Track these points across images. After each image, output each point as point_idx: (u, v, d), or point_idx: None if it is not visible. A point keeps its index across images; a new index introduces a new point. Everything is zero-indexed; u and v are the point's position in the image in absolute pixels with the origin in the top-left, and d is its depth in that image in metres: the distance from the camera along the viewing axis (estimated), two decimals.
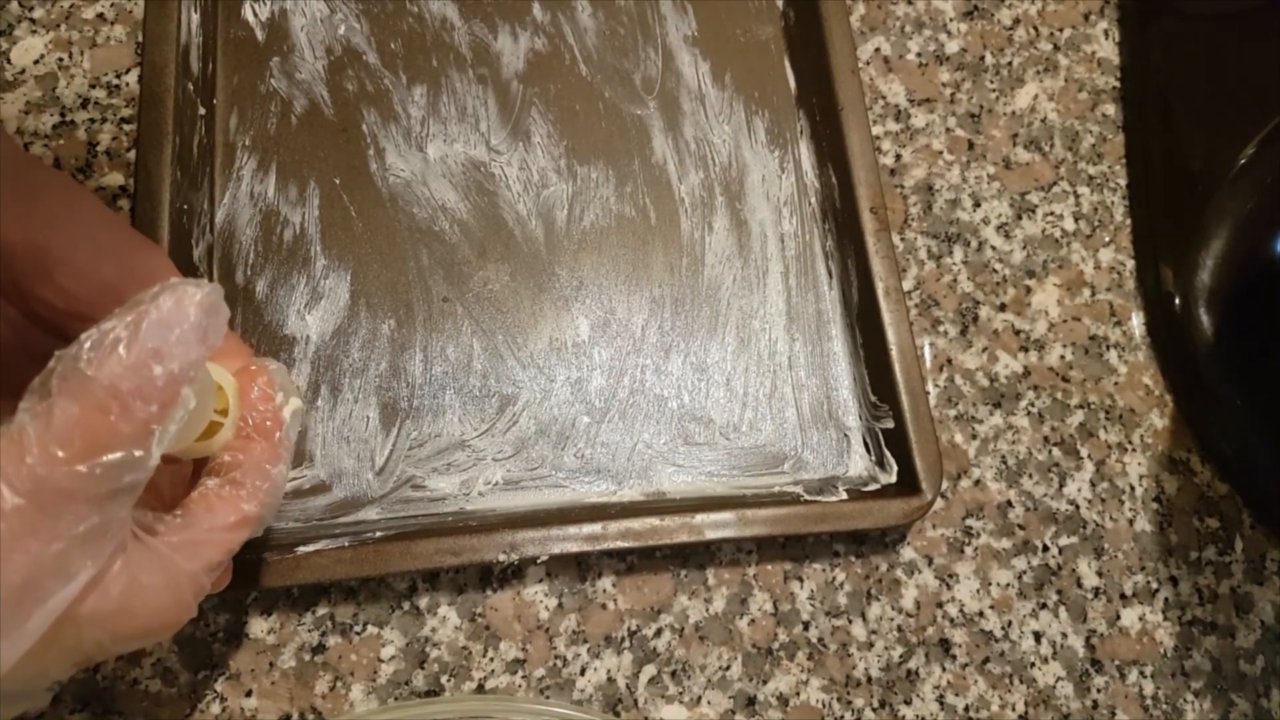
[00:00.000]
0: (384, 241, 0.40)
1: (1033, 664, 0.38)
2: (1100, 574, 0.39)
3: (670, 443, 0.39)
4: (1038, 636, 0.38)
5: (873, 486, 0.38)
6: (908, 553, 0.39)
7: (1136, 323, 0.43)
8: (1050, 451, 0.41)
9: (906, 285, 0.42)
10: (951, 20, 0.47)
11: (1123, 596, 0.39)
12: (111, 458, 0.22)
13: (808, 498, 0.37)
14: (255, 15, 0.42)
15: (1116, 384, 0.42)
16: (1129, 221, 0.44)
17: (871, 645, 0.38)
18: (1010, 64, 0.46)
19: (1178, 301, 0.42)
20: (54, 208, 0.26)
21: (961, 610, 0.38)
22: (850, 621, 0.38)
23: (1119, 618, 0.39)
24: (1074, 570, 0.39)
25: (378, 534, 0.35)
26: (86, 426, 0.22)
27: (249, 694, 0.35)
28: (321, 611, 0.36)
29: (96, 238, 0.26)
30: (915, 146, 0.44)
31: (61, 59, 0.42)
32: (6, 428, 0.22)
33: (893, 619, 0.38)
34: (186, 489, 0.28)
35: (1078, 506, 0.40)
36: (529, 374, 0.39)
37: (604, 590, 0.37)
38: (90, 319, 0.26)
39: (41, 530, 0.21)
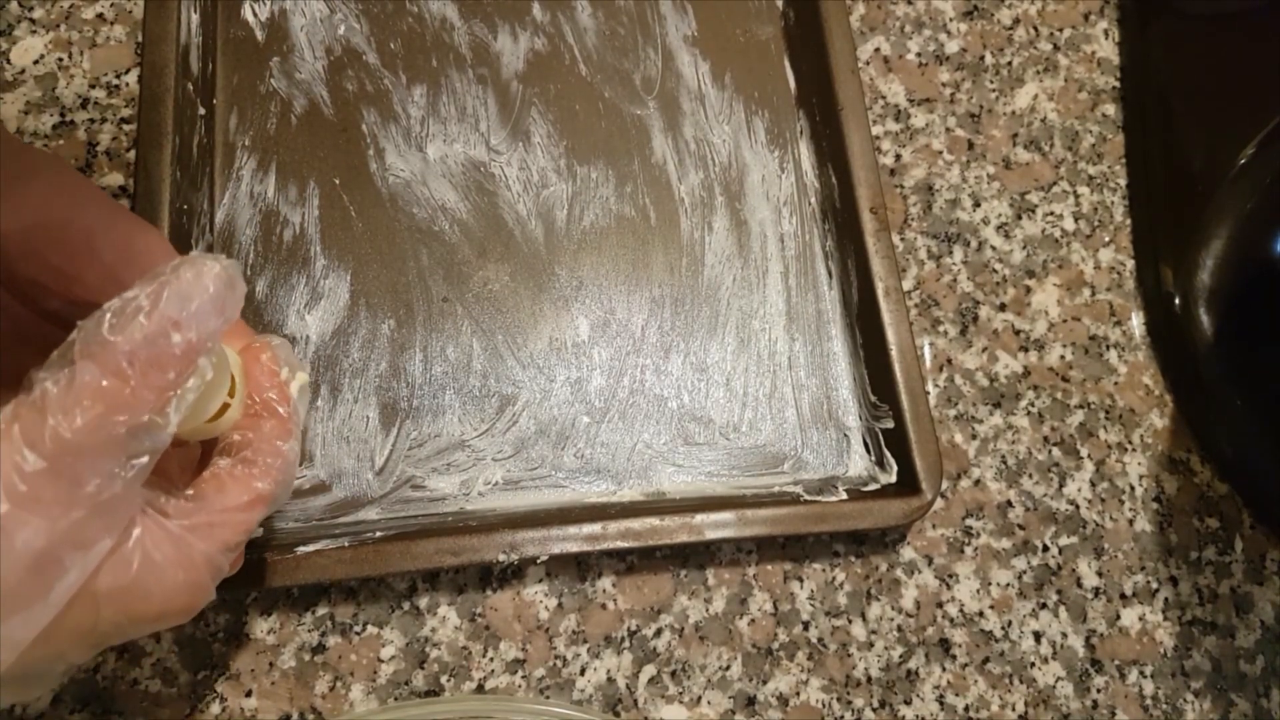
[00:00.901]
0: (384, 241, 0.40)
1: (1033, 664, 0.38)
2: (1100, 574, 0.39)
3: (670, 443, 0.39)
4: (1038, 636, 0.38)
5: (873, 486, 0.38)
6: (908, 553, 0.39)
7: (1136, 323, 0.43)
8: (1050, 451, 0.41)
9: (906, 285, 0.42)
10: (951, 20, 0.47)
11: (1123, 596, 0.39)
12: (131, 421, 0.22)
13: (808, 498, 0.37)
14: (255, 15, 0.42)
15: (1116, 384, 0.42)
16: (1129, 221, 0.44)
17: (871, 645, 0.38)
18: (1010, 64, 0.46)
19: (1178, 301, 0.42)
20: (50, 192, 0.26)
21: (961, 610, 0.38)
22: (850, 621, 0.38)
23: (1119, 618, 0.39)
24: (1074, 570, 0.39)
25: (378, 534, 0.35)
26: (107, 391, 0.22)
27: (249, 694, 0.35)
28: (321, 611, 0.36)
29: (93, 221, 0.26)
30: (915, 146, 0.44)
31: (61, 59, 0.42)
32: (25, 396, 0.22)
33: (893, 619, 0.38)
34: (195, 474, 0.28)
35: (1078, 506, 0.40)
36: (529, 374, 0.39)
37: (604, 590, 0.37)
38: (89, 303, 0.26)
39: (62, 495, 0.21)
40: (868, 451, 0.39)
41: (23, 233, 0.25)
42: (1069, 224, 0.44)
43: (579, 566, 0.37)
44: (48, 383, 0.22)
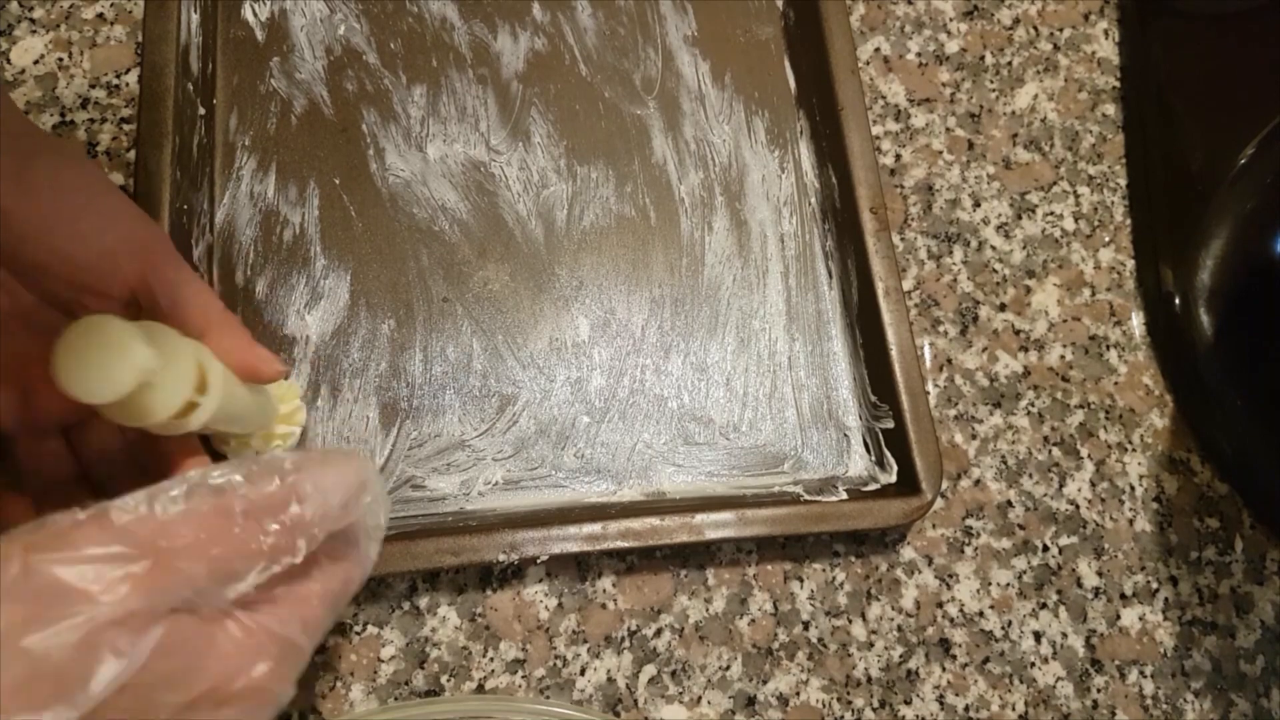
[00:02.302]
0: (384, 241, 0.40)
1: (1033, 664, 0.38)
2: (1100, 574, 0.39)
3: (670, 443, 0.39)
4: (1038, 636, 0.38)
5: (873, 486, 0.38)
6: (908, 553, 0.39)
7: (1136, 323, 0.43)
8: (1050, 451, 0.41)
9: (906, 285, 0.42)
10: (951, 20, 0.47)
11: (1123, 596, 0.39)
12: (221, 559, 0.22)
13: (808, 498, 0.37)
14: (255, 15, 0.42)
15: (1116, 384, 0.42)
16: (1129, 221, 0.44)
17: (871, 645, 0.38)
18: (1010, 64, 0.46)
19: (1178, 301, 0.42)
20: (58, 175, 0.26)
21: (961, 610, 0.38)
22: (850, 621, 0.38)
23: (1119, 618, 0.39)
24: (1074, 570, 0.39)
25: None
26: (210, 522, 0.22)
27: None
28: None
29: (99, 205, 0.27)
30: (915, 146, 0.44)
31: (61, 59, 0.42)
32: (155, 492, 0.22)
33: (893, 619, 0.38)
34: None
35: (1078, 506, 0.40)
36: (529, 374, 0.39)
37: (604, 590, 0.37)
38: (92, 288, 0.26)
39: (164, 581, 0.21)
40: (868, 451, 0.39)
41: (32, 214, 0.25)
42: (1069, 224, 0.44)
43: (579, 566, 0.37)
44: (172, 491, 0.22)
